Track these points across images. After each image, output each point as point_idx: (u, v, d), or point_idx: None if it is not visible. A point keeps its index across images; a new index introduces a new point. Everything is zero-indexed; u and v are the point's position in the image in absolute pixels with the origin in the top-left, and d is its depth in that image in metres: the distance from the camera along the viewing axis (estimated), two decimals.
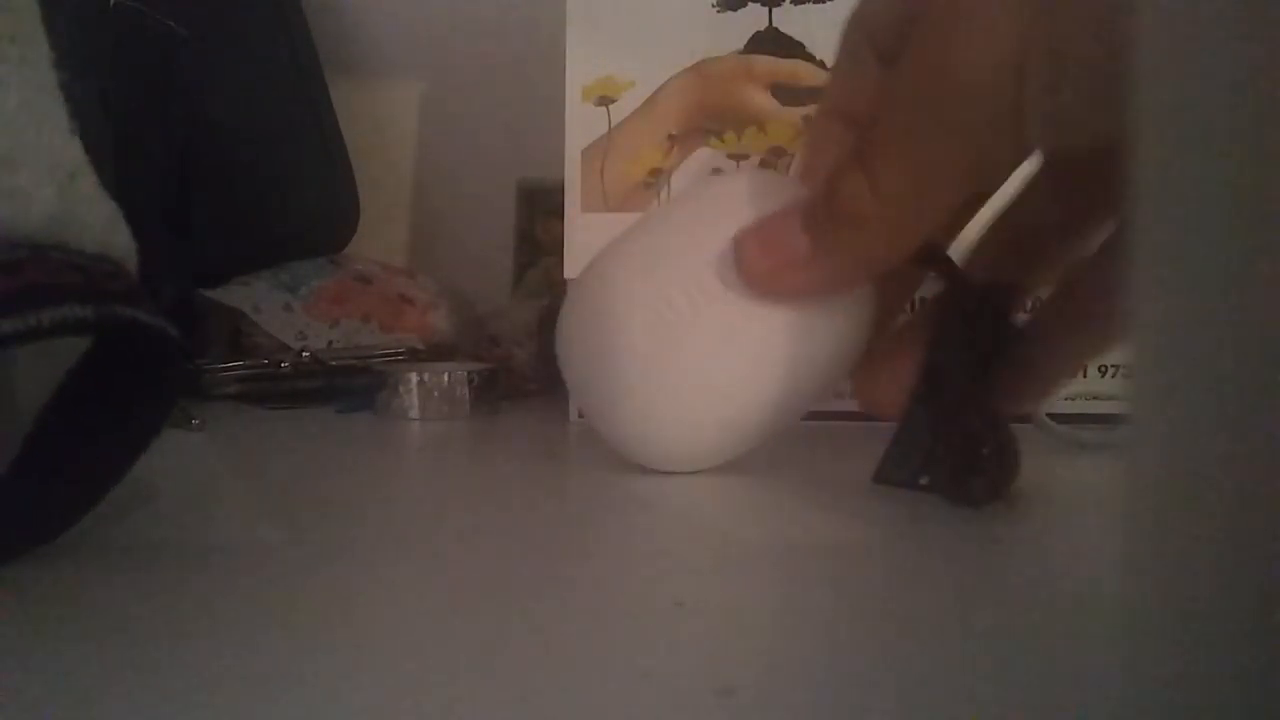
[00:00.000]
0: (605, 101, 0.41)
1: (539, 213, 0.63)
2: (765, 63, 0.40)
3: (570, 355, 0.30)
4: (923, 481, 0.26)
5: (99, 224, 0.18)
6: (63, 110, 0.19)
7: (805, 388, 0.28)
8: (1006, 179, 0.28)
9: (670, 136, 0.40)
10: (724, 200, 0.28)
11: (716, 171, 0.40)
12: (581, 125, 0.41)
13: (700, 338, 0.27)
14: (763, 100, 0.40)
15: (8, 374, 0.21)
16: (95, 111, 0.20)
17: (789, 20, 0.40)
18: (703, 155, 0.40)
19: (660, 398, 0.28)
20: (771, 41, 0.41)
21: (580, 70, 0.42)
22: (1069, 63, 0.23)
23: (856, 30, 0.30)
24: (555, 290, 0.50)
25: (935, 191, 0.25)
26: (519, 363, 0.51)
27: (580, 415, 0.31)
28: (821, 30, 0.40)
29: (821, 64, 0.40)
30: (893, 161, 0.25)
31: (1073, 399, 0.38)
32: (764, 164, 0.40)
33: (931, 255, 0.27)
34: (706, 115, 0.40)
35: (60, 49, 0.20)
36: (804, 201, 0.27)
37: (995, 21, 0.23)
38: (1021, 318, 0.29)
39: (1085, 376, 0.39)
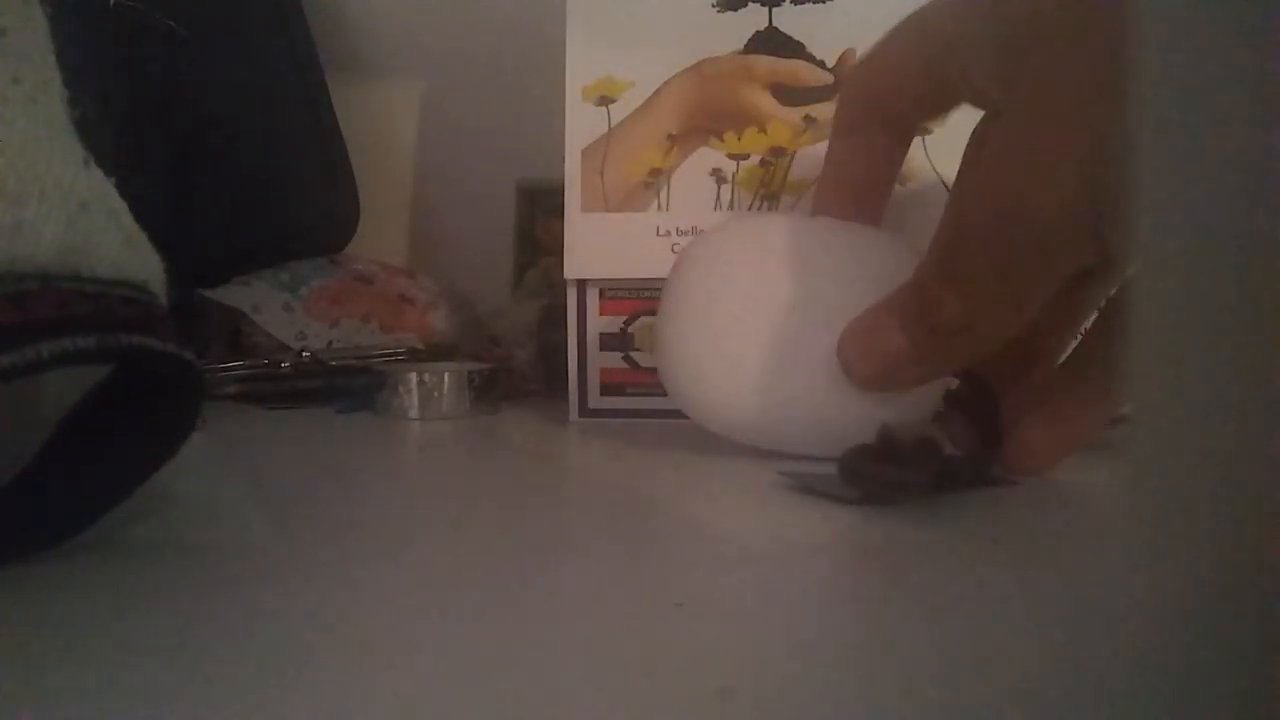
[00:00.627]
0: (605, 101, 0.41)
1: (539, 213, 0.63)
2: (765, 63, 0.40)
3: (670, 336, 0.33)
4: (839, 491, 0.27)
5: (114, 249, 0.19)
6: (75, 144, 0.19)
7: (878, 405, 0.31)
8: (1098, 274, 0.30)
9: (670, 136, 0.40)
10: (834, 250, 0.32)
11: (716, 172, 0.40)
12: (581, 125, 0.41)
13: (788, 339, 0.31)
14: (763, 100, 0.40)
15: (36, 386, 0.21)
16: (101, 122, 0.21)
17: (789, 20, 0.41)
18: (702, 155, 0.40)
19: (745, 376, 0.31)
20: (771, 41, 0.41)
21: (580, 70, 0.42)
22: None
23: (862, 108, 0.32)
24: (555, 290, 0.50)
25: (1023, 301, 0.27)
26: (519, 363, 0.51)
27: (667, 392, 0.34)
28: (821, 30, 0.40)
29: (822, 64, 0.40)
30: (980, 280, 0.27)
31: None
32: (763, 164, 0.40)
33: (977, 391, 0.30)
34: (706, 115, 0.40)
35: (74, 87, 0.20)
36: (898, 305, 0.29)
37: (1065, 173, 0.25)
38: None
39: None
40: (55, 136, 0.19)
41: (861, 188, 0.33)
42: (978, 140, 0.32)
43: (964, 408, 0.31)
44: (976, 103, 0.30)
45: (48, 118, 0.19)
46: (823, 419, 0.31)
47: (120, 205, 0.20)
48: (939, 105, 0.31)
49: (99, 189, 0.19)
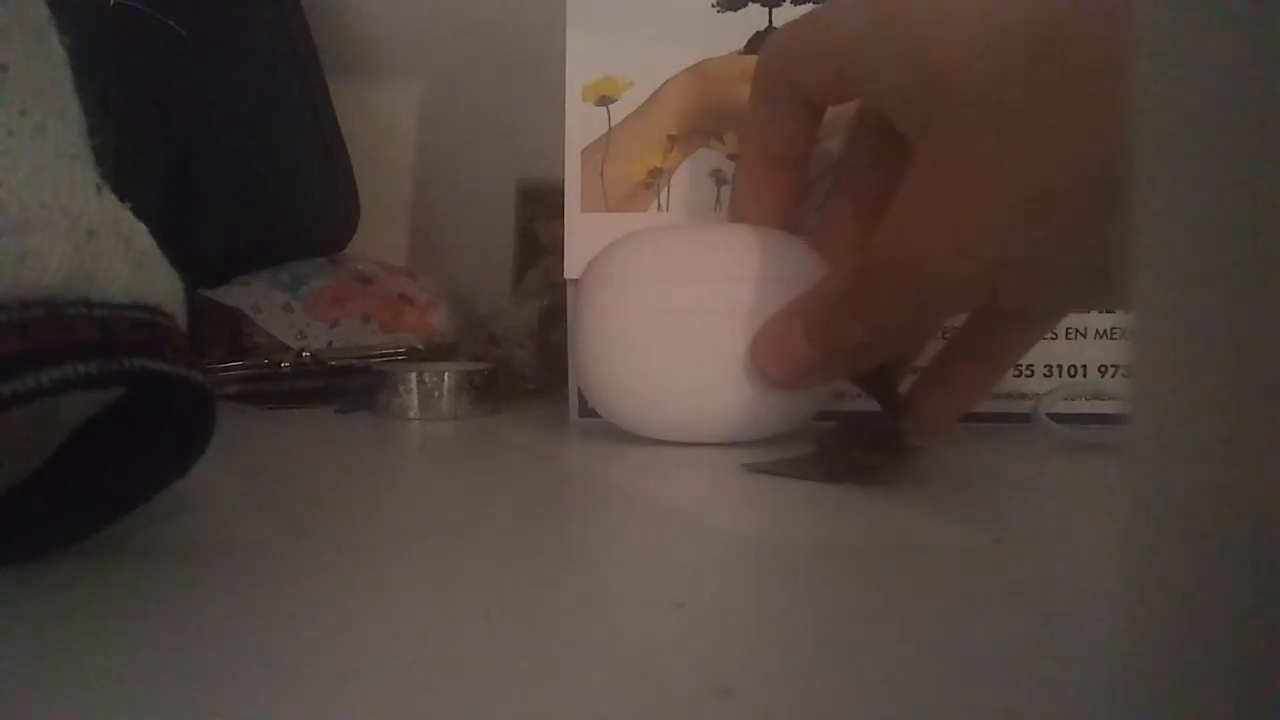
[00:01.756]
0: (605, 101, 0.41)
1: (539, 213, 0.63)
2: None
3: (581, 341, 0.35)
4: (793, 472, 0.30)
5: (124, 274, 0.19)
6: (88, 170, 0.20)
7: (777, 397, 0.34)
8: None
9: (670, 137, 0.40)
10: (731, 247, 0.35)
11: (716, 173, 0.40)
12: (581, 125, 0.41)
13: (690, 340, 0.34)
14: None
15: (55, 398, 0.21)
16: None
17: (789, 21, 0.40)
18: (702, 156, 0.40)
19: (655, 381, 0.34)
20: None
21: (580, 70, 0.42)
22: (1039, 267, 0.27)
23: (777, 78, 0.34)
24: (555, 290, 0.50)
25: (920, 331, 0.32)
26: (519, 363, 0.51)
27: (582, 397, 0.37)
28: None
29: None
30: (881, 316, 0.30)
31: (1073, 399, 0.38)
32: None
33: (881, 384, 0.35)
34: (706, 116, 0.40)
35: (94, 116, 0.21)
36: (805, 320, 0.32)
37: (969, 241, 0.27)
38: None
39: (1085, 376, 0.39)
40: (65, 165, 0.19)
41: (778, 152, 0.35)
42: (870, 142, 0.34)
43: (865, 384, 0.36)
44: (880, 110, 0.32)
45: (58, 147, 0.19)
46: (731, 411, 0.34)
47: (134, 228, 0.20)
48: (845, 98, 0.33)
49: (110, 214, 0.19)
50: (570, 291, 0.42)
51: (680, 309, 0.34)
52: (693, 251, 0.35)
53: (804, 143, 0.35)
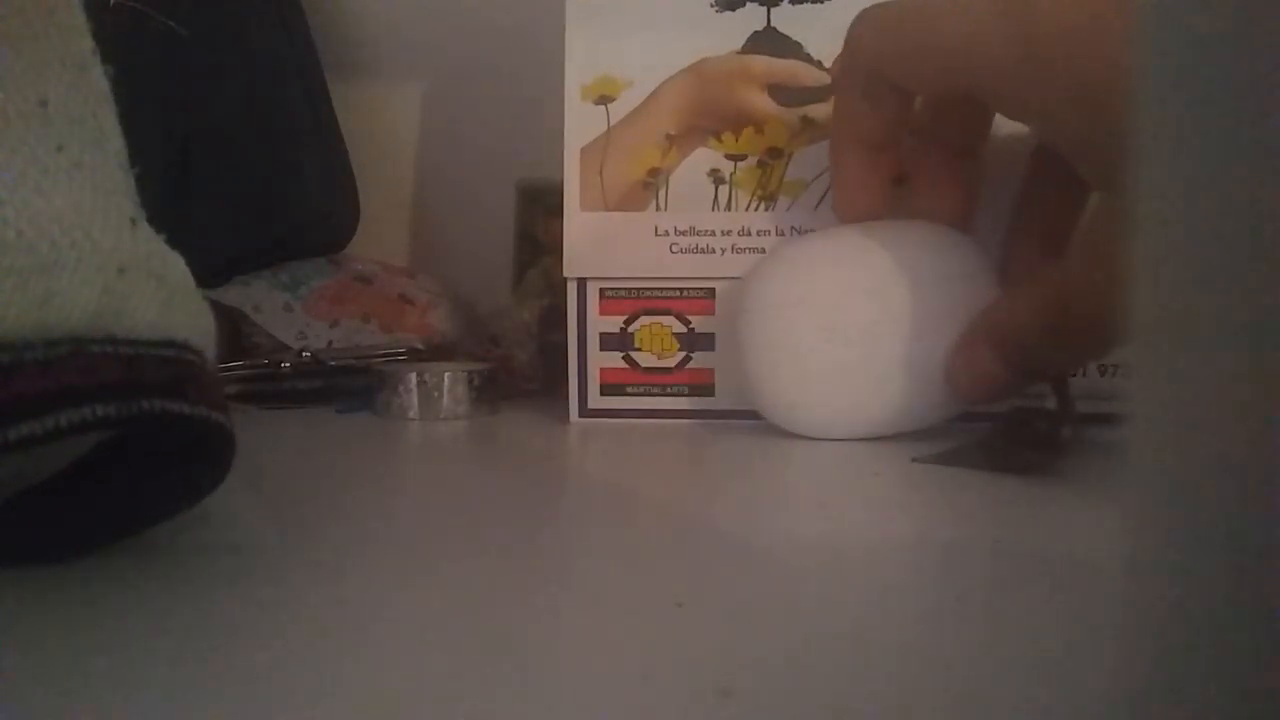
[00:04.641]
0: (604, 101, 0.41)
1: (539, 213, 0.63)
2: (763, 63, 0.40)
3: (749, 344, 0.36)
4: (965, 461, 0.31)
5: (151, 311, 0.19)
6: (125, 204, 0.19)
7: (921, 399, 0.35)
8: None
9: (668, 136, 0.40)
10: (901, 251, 0.35)
11: (714, 172, 0.40)
12: (581, 124, 0.41)
13: (851, 349, 0.35)
14: (760, 101, 0.40)
15: None
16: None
17: (787, 20, 0.40)
18: (701, 156, 0.40)
19: (819, 385, 0.35)
20: (769, 41, 0.41)
21: (579, 69, 0.42)
22: None
23: (873, 71, 0.33)
24: (555, 290, 0.50)
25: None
26: (519, 363, 0.51)
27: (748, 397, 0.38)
28: (819, 30, 0.40)
29: (819, 64, 0.40)
30: (1082, 343, 0.32)
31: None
32: (761, 165, 0.40)
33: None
34: (704, 115, 0.40)
35: (134, 148, 0.21)
36: (998, 339, 0.33)
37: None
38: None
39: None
40: (100, 200, 0.19)
41: (875, 139, 0.35)
42: (1045, 168, 0.34)
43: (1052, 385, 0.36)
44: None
45: (95, 182, 0.19)
46: (893, 410, 0.35)
47: (167, 261, 0.20)
48: (958, 93, 0.33)
49: (143, 250, 0.19)
50: (571, 291, 0.42)
51: (841, 323, 0.35)
52: (848, 264, 0.35)
53: (900, 127, 0.35)
